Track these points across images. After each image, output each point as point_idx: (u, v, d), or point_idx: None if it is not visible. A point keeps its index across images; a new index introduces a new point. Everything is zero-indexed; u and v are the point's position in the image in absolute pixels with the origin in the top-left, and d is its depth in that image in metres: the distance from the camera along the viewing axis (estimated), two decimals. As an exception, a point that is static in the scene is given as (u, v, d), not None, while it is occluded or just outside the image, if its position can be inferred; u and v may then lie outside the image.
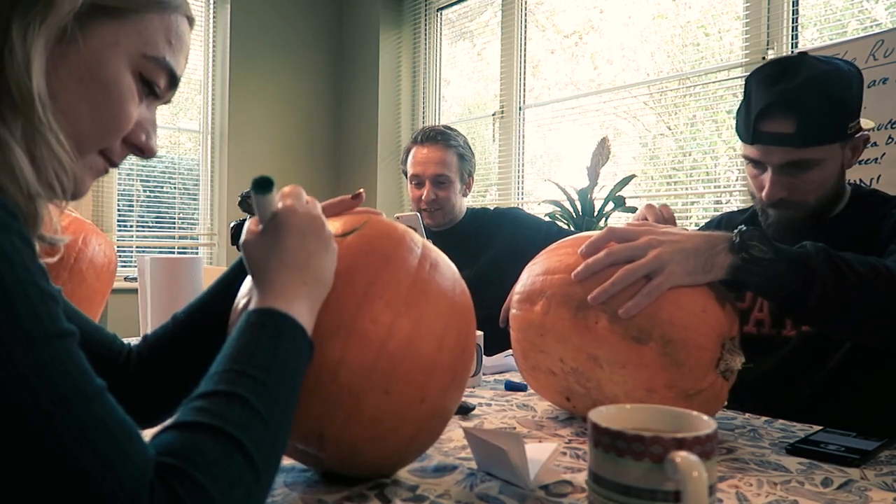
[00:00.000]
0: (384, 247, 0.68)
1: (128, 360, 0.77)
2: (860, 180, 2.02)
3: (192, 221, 3.88)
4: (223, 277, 0.80)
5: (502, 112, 3.45)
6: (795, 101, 1.05)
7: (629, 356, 0.83)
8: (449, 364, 0.67)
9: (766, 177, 1.11)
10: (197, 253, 3.90)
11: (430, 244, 0.74)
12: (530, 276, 0.99)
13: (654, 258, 0.84)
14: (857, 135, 1.12)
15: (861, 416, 1.07)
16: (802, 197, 1.11)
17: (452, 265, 0.75)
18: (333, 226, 0.70)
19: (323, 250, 0.63)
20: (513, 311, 1.01)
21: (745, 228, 0.87)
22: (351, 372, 0.61)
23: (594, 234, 0.92)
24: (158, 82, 0.60)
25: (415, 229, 1.92)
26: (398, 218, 1.89)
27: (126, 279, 3.35)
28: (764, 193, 1.12)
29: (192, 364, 0.78)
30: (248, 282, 0.72)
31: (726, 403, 0.92)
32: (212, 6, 3.82)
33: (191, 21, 0.63)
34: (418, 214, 1.87)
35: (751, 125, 1.10)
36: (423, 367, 0.65)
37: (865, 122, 2.12)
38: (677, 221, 1.07)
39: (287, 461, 0.75)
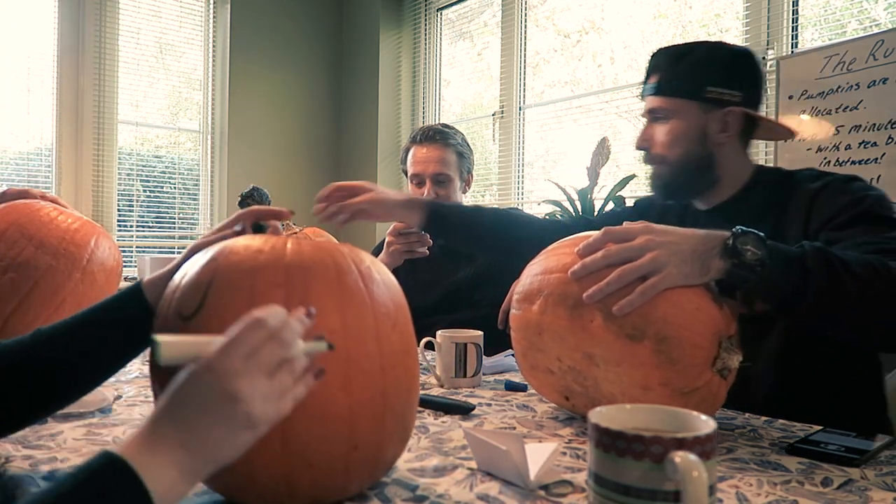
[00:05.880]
0: None
1: None
2: (860, 180, 2.01)
3: (191, 221, 3.88)
4: (98, 309, 0.76)
5: (502, 112, 3.45)
6: (660, 61, 1.24)
7: (624, 354, 0.83)
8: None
9: None
10: (197, 253, 3.89)
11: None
12: (529, 275, 0.99)
13: (650, 260, 0.83)
14: (726, 109, 1.18)
15: (799, 402, 1.08)
16: (661, 150, 1.23)
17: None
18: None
19: (248, 438, 0.53)
20: (512, 310, 1.01)
21: (739, 231, 0.86)
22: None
23: (593, 234, 0.92)
24: None
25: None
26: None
27: (126, 279, 3.35)
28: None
29: (42, 385, 0.73)
30: (185, 266, 0.69)
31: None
32: (212, 6, 3.82)
33: None
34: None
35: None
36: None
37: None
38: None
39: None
